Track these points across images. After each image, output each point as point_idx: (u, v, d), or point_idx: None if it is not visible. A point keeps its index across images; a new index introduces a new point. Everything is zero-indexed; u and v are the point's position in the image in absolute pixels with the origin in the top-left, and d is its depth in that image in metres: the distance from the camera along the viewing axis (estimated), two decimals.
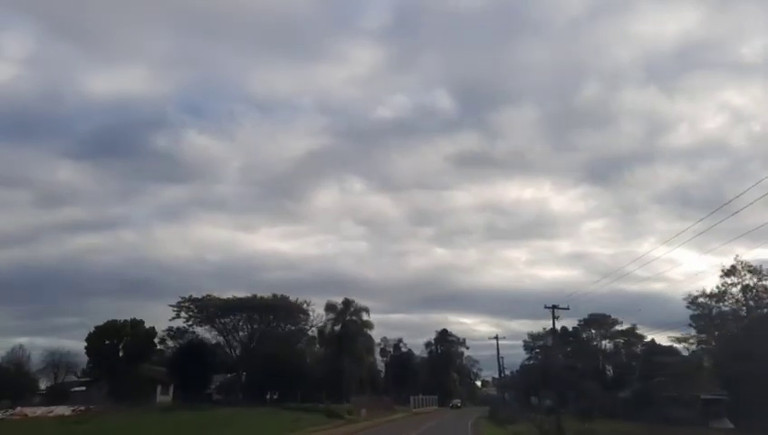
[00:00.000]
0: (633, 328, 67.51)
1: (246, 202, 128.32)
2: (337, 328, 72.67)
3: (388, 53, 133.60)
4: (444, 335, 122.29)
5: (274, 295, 68.45)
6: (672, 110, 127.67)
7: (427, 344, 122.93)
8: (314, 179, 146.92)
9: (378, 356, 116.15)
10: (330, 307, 71.80)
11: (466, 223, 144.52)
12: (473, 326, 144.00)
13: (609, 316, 65.79)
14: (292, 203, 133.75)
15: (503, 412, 52.20)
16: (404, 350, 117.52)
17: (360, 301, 73.28)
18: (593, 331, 71.75)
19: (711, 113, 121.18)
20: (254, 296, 66.92)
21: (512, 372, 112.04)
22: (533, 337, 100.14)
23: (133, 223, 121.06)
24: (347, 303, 72.38)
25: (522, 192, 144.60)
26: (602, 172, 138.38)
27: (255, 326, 68.37)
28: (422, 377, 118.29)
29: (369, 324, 75.18)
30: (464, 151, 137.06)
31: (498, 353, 79.74)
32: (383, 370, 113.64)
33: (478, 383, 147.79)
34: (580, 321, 70.89)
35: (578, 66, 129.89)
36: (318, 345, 76.17)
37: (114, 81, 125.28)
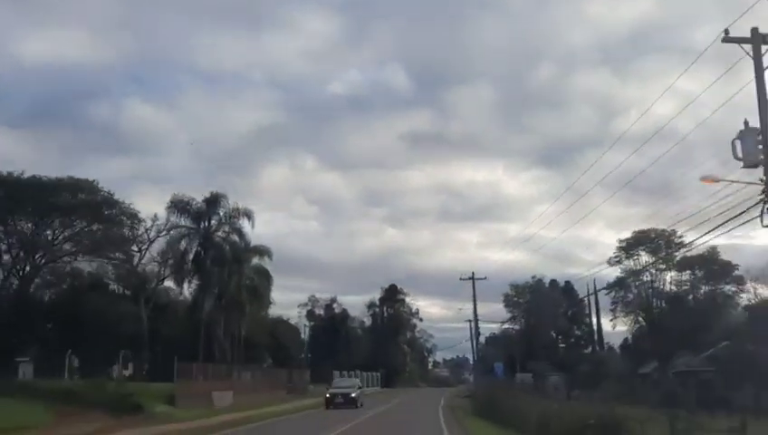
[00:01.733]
0: (713, 252, 37.92)
1: (193, 177, 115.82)
2: (193, 248, 40.39)
3: (343, 25, 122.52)
4: (392, 294, 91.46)
5: (71, 178, 35.92)
6: (624, 94, 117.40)
7: (370, 305, 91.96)
8: (264, 156, 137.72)
9: (301, 315, 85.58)
10: (176, 206, 39.40)
11: (419, 204, 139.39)
12: (424, 308, 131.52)
13: (665, 231, 36.23)
14: (240, 179, 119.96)
15: (509, 400, 21.31)
16: (338, 311, 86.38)
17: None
18: (641, 255, 41.39)
19: (662, 98, 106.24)
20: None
21: (481, 342, 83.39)
22: (518, 290, 70.66)
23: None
24: (212, 202, 40.03)
25: (475, 174, 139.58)
26: (555, 156, 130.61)
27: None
28: (362, 348, 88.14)
29: (259, 250, 43.37)
30: (418, 131, 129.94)
31: (474, 297, 50.14)
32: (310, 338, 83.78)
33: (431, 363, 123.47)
34: (620, 241, 41.25)
35: (533, 47, 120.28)
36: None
37: (52, 46, 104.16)
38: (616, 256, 42.94)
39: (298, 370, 57.90)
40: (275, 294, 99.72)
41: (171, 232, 39.41)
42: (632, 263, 42.69)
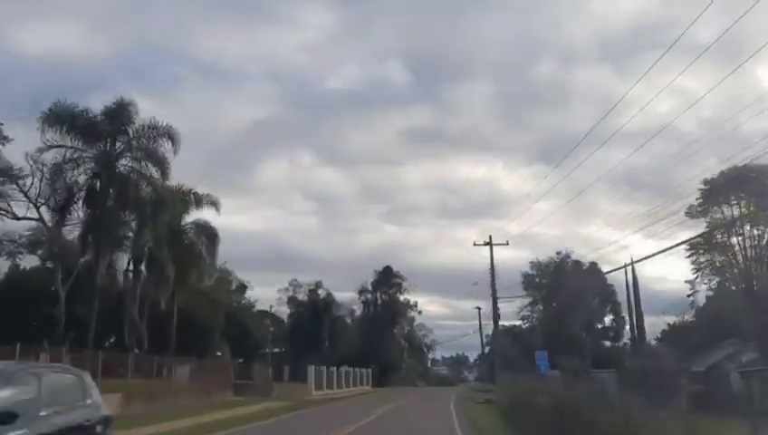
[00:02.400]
0: None
1: (189, 172, 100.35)
2: (86, 182, 27.39)
3: (341, 19, 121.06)
4: (386, 277, 78.49)
5: None
6: (625, 91, 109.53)
7: (361, 291, 79.01)
8: (262, 151, 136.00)
9: (281, 302, 73.27)
10: (58, 117, 26.27)
11: (418, 200, 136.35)
12: (422, 305, 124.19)
13: None
14: (238, 175, 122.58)
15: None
16: (323, 296, 73.42)
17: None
18: (736, 203, 27.84)
19: (662, 96, 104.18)
20: None
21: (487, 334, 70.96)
22: (540, 268, 57.96)
23: None
24: (115, 114, 27.05)
25: (474, 171, 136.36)
26: (554, 152, 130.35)
27: None
28: (351, 340, 75.50)
29: (198, 197, 30.73)
30: (416, 126, 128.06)
31: (492, 266, 37.93)
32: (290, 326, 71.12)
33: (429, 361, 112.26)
34: (705, 183, 28.05)
35: (533, 43, 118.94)
36: None
37: (48, 38, 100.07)
38: (700, 205, 29.68)
39: (261, 365, 45.28)
40: (259, 291, 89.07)
41: (50, 156, 26.29)
42: (723, 213, 29.39)
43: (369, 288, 79.40)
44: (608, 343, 64.67)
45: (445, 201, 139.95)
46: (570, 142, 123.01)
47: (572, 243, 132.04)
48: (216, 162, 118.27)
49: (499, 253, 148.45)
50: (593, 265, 60.88)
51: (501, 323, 71.75)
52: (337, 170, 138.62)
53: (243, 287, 68.62)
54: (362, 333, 76.97)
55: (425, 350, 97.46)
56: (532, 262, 58.28)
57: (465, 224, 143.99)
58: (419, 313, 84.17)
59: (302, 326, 67.90)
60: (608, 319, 65.29)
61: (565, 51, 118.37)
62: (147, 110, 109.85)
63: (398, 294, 79.42)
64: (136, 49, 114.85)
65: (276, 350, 71.44)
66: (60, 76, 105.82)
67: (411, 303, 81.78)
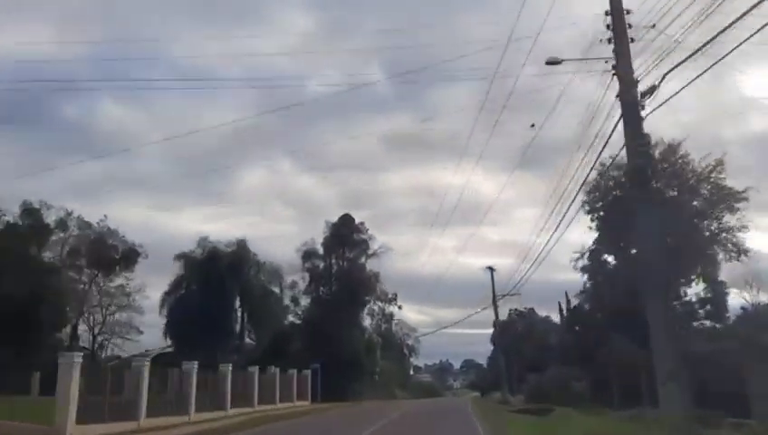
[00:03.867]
0: None
1: (167, 180, 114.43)
2: None
3: (322, 23, 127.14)
4: (345, 230, 50.50)
5: None
6: (605, 96, 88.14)
7: (307, 255, 50.95)
8: (240, 157, 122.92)
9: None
10: None
11: (398, 207, 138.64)
12: (402, 314, 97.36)
13: None
14: (216, 182, 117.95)
15: None
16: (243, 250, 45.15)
17: None
18: None
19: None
20: None
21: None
22: (613, 176, 30.80)
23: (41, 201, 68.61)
24: None
25: (454, 177, 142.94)
26: (535, 158, 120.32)
27: None
28: (286, 326, 47.99)
29: None
30: (398, 132, 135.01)
31: None
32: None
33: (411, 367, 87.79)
34: None
35: (516, 48, 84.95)
36: None
37: (18, 39, 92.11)
38: None
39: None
40: None
41: None
42: None
43: (320, 251, 51.72)
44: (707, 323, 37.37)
45: (426, 208, 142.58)
46: (551, 148, 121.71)
47: (556, 250, 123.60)
48: (193, 169, 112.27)
49: (480, 262, 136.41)
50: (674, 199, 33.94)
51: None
52: (316, 177, 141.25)
53: (133, 254, 43.80)
54: (308, 318, 49.52)
55: (406, 353, 69.70)
56: (602, 166, 31.12)
57: (446, 231, 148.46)
58: (399, 307, 57.38)
59: (192, 301, 40.00)
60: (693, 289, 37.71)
61: (548, 55, 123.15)
62: (120, 116, 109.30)
63: (363, 259, 51.88)
64: (110, 53, 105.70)
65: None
66: (30, 76, 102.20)
67: (390, 295, 54.71)
